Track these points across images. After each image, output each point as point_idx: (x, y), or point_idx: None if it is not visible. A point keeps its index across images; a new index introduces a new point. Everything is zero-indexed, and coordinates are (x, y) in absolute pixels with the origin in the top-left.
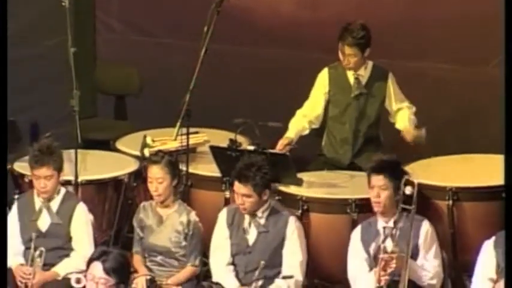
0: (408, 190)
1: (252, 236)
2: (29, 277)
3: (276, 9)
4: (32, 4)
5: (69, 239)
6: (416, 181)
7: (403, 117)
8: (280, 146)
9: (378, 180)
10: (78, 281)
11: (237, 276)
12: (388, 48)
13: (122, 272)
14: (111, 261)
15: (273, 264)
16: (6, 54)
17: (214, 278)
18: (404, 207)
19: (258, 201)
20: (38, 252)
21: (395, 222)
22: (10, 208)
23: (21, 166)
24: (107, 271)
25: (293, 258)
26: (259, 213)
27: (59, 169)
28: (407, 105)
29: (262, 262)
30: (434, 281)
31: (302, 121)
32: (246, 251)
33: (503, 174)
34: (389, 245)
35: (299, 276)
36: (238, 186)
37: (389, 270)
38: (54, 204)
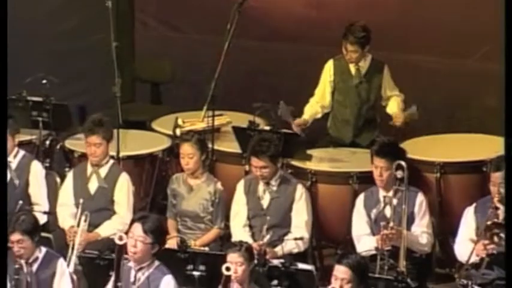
0: (399, 174)
1: (265, 201)
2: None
3: (288, 10)
4: (81, 6)
5: (112, 202)
6: (405, 165)
7: (393, 104)
8: (295, 123)
9: (381, 162)
10: (120, 238)
11: (253, 236)
12: (386, 43)
13: (158, 233)
14: (149, 222)
15: (283, 225)
16: (6, 53)
17: (234, 238)
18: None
19: (275, 170)
20: (84, 217)
21: (394, 193)
22: (62, 180)
23: (71, 143)
24: (145, 230)
25: (300, 218)
26: (272, 182)
27: (108, 138)
28: (397, 93)
29: (268, 218)
30: (426, 248)
31: (315, 106)
32: (261, 214)
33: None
34: (387, 211)
35: (305, 233)
36: (256, 161)
37: (389, 243)
38: (103, 172)
